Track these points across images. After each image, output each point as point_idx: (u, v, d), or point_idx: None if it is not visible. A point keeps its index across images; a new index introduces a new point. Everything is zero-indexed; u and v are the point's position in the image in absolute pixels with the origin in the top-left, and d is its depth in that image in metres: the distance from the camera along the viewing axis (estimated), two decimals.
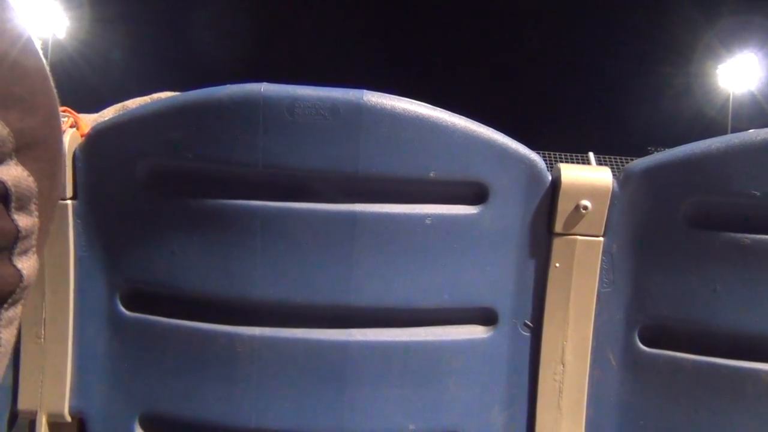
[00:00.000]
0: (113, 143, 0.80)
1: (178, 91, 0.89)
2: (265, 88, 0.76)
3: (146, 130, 0.79)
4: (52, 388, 0.83)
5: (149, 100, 0.99)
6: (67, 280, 0.82)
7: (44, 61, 0.40)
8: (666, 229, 0.81)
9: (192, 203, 0.80)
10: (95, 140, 0.79)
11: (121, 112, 0.84)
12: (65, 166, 0.44)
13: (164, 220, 0.81)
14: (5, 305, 0.37)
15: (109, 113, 1.03)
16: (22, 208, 0.37)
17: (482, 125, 0.80)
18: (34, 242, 0.39)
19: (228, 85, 0.77)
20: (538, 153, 0.83)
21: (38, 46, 0.40)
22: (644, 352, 0.83)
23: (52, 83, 0.41)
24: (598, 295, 0.82)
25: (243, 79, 0.77)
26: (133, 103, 1.03)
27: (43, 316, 0.82)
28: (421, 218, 0.79)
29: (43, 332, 0.82)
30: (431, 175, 0.78)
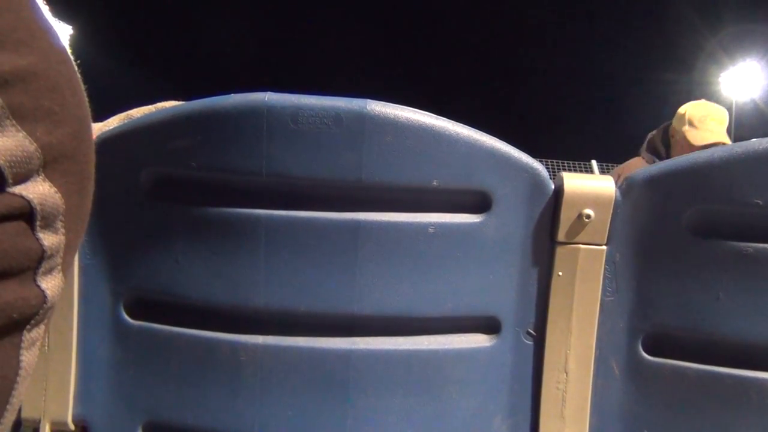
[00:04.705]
0: (118, 152, 0.80)
1: (182, 100, 0.90)
2: (269, 97, 0.77)
3: (151, 139, 0.80)
4: (56, 396, 0.84)
5: (154, 110, 0.99)
6: (71, 287, 0.82)
7: (76, 70, 0.40)
8: (669, 238, 0.81)
9: (196, 211, 0.80)
10: (99, 149, 0.79)
11: (125, 121, 0.84)
12: (93, 178, 0.43)
13: (168, 228, 0.81)
14: (28, 326, 0.37)
15: (113, 122, 1.03)
16: (48, 226, 0.36)
17: (485, 134, 0.81)
18: (59, 260, 0.38)
19: (232, 95, 0.78)
20: (541, 161, 0.84)
21: (70, 53, 0.40)
22: (647, 360, 0.83)
23: (85, 94, 0.40)
24: (601, 304, 0.82)
25: (247, 89, 0.78)
26: (138, 112, 1.04)
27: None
28: (424, 227, 0.79)
29: (46, 340, 0.83)
30: (434, 183, 0.78)
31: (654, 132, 2.50)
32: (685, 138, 2.29)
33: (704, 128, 2.28)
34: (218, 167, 0.78)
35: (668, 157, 2.36)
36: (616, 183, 2.44)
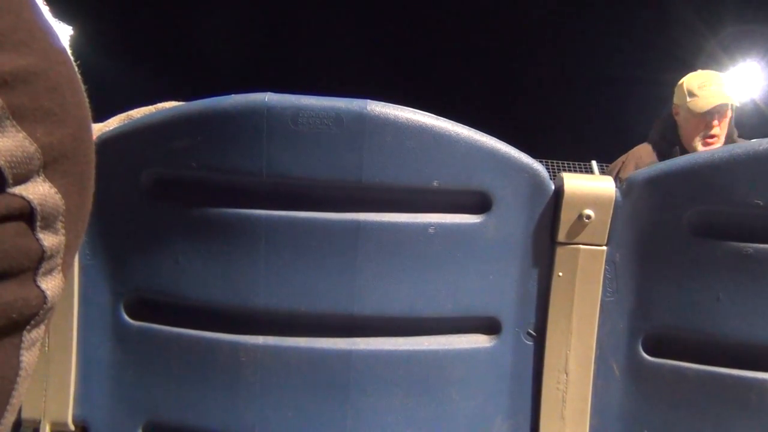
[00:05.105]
0: (118, 153, 0.80)
1: (182, 100, 0.90)
2: (269, 97, 0.77)
3: (151, 139, 0.80)
4: (56, 397, 0.84)
5: (154, 110, 0.99)
6: (71, 288, 0.82)
7: (77, 70, 0.40)
8: (669, 239, 0.81)
9: (196, 212, 0.80)
10: (100, 150, 0.79)
11: (126, 122, 0.84)
12: (93, 179, 0.43)
13: (168, 228, 0.81)
14: (28, 327, 0.37)
15: (114, 123, 1.03)
16: (48, 226, 0.36)
17: (485, 134, 0.81)
18: (59, 261, 0.38)
19: (232, 95, 0.78)
20: (541, 162, 0.84)
21: (71, 54, 0.39)
22: (647, 361, 0.83)
23: (84, 93, 0.40)
24: (601, 305, 0.82)
25: (247, 89, 0.78)
26: (138, 113, 1.04)
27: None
28: (424, 227, 0.79)
29: (47, 340, 0.83)
30: (434, 184, 0.78)
31: (659, 117, 2.42)
32: (688, 110, 2.20)
33: (705, 93, 2.19)
34: (218, 168, 0.78)
35: (675, 137, 2.28)
36: (621, 169, 2.36)
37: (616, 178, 2.29)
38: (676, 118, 2.30)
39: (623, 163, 2.33)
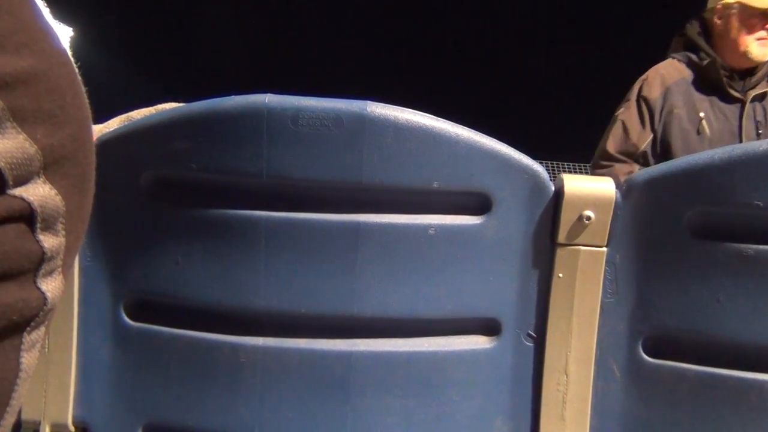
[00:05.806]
0: (118, 154, 0.80)
1: (183, 102, 0.90)
2: (269, 99, 0.77)
3: (151, 140, 0.80)
4: (56, 398, 0.83)
5: (154, 111, 0.99)
6: (71, 289, 0.82)
7: (77, 72, 0.40)
8: (669, 240, 0.80)
9: (196, 213, 0.80)
10: (100, 151, 0.79)
11: (126, 123, 0.84)
12: (94, 180, 0.43)
13: (168, 230, 0.81)
14: (28, 328, 0.37)
15: (114, 124, 1.03)
16: (48, 228, 0.36)
17: (485, 135, 0.80)
18: (60, 262, 0.38)
19: (233, 96, 0.78)
20: (541, 162, 0.84)
21: (71, 55, 0.40)
22: (648, 362, 0.83)
23: (85, 95, 0.40)
24: (601, 306, 0.82)
25: (248, 90, 0.78)
26: (138, 114, 1.04)
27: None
28: (424, 228, 0.79)
29: (46, 342, 0.83)
30: (434, 185, 0.78)
31: (682, 33, 2.05)
32: (744, 7, 1.81)
33: None
34: (218, 169, 0.78)
35: (712, 47, 1.91)
36: (642, 87, 1.95)
37: (640, 97, 1.94)
38: (718, 22, 1.92)
39: (644, 81, 1.98)
